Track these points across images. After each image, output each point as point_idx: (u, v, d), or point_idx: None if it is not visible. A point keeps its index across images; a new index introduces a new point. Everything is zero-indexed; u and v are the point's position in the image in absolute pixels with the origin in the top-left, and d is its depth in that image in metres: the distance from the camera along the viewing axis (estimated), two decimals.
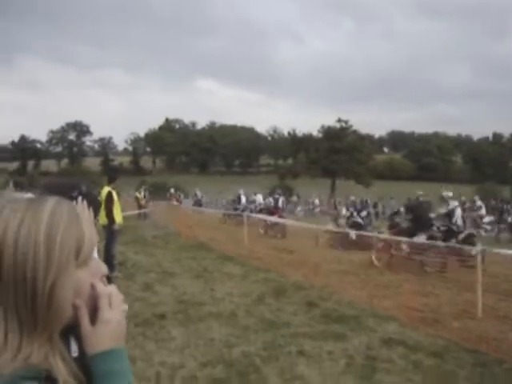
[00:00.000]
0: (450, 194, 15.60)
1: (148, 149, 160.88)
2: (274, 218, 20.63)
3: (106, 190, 12.35)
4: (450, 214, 14.73)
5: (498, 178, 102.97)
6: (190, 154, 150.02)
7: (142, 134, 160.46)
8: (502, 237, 24.53)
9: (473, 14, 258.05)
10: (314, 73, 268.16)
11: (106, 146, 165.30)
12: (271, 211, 23.33)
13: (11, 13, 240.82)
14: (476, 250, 8.86)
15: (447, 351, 6.70)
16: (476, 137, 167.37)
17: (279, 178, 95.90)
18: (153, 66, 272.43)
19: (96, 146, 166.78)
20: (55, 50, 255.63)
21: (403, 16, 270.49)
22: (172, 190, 41.74)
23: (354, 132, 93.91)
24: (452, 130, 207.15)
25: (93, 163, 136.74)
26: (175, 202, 34.50)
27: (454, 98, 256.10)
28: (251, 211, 24.23)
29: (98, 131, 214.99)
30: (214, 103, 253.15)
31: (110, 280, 1.43)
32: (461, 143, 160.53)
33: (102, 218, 12.16)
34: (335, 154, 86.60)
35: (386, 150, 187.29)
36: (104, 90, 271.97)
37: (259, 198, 29.32)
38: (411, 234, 13.63)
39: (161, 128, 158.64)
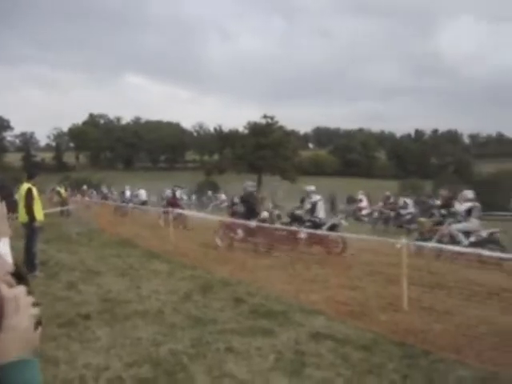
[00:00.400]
0: (313, 187, 16.70)
1: (72, 144, 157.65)
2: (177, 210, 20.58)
3: (25, 186, 11.81)
4: (312, 208, 16.07)
5: (420, 174, 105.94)
6: (115, 149, 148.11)
7: (65, 129, 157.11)
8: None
9: (398, 13, 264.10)
10: (242, 70, 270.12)
11: (27, 141, 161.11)
12: (171, 203, 23.33)
13: None
14: (400, 243, 8.95)
15: (375, 344, 6.72)
16: (399, 134, 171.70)
17: (205, 174, 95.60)
18: (78, 61, 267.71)
19: (17, 141, 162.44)
20: None
21: (332, 14, 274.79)
22: (84, 187, 42.67)
23: (280, 128, 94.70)
24: (376, 127, 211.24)
25: (14, 159, 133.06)
26: (86, 199, 35.88)
27: (379, 95, 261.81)
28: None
29: (20, 126, 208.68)
30: (142, 99, 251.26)
31: (22, 278, 1.28)
32: (384, 140, 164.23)
33: (22, 216, 11.73)
34: (261, 150, 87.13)
35: (311, 146, 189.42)
36: (27, 85, 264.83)
37: (142, 192, 31.50)
38: (245, 219, 15.17)
39: (85, 123, 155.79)
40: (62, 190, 31.28)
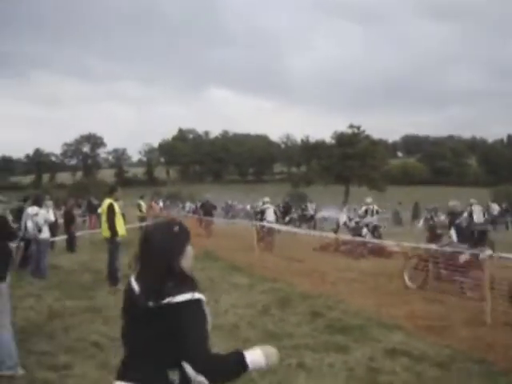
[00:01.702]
0: (267, 199, 21.76)
1: (162, 159, 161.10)
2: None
3: (107, 201, 12.18)
4: (262, 212, 20.83)
5: None
6: (204, 163, 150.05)
7: (155, 144, 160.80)
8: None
9: (480, 15, 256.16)
10: (327, 80, 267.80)
11: (120, 157, 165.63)
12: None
13: (26, 28, 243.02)
14: (484, 254, 8.65)
15: (453, 361, 6.48)
16: (491, 139, 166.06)
17: (292, 186, 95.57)
18: (166, 77, 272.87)
19: (110, 157, 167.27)
20: (70, 65, 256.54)
21: (412, 18, 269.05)
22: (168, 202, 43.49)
23: (367, 137, 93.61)
24: (467, 133, 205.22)
25: (107, 175, 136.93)
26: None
27: (467, 101, 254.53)
28: None
29: (112, 143, 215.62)
30: (227, 112, 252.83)
31: None
32: (475, 146, 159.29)
33: (105, 231, 12.03)
34: (348, 160, 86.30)
35: (400, 154, 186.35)
36: (118, 102, 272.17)
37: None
38: None
39: (174, 138, 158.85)
40: (143, 204, 30.17)
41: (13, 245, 12.45)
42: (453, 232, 11.89)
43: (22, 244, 13.72)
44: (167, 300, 2.41)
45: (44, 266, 13.15)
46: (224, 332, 7.85)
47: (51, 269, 13.95)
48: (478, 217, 18.39)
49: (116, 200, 12.31)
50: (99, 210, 15.64)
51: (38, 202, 13.63)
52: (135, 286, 2.62)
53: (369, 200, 20.93)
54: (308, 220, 36.38)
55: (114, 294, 10.70)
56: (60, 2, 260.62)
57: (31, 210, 13.36)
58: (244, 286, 11.89)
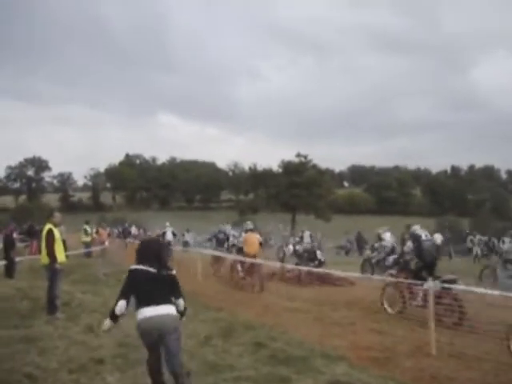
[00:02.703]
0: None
1: (108, 184, 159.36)
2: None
3: (47, 227, 11.72)
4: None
5: (457, 210, 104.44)
6: (151, 189, 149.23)
7: (102, 169, 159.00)
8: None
9: (429, 49, 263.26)
10: (273, 108, 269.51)
11: (65, 181, 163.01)
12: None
13: None
14: (428, 285, 8.62)
15: None
16: (435, 170, 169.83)
17: (239, 214, 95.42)
18: (113, 102, 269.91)
19: (55, 181, 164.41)
20: (15, 87, 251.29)
21: (361, 51, 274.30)
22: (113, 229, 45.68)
23: (314, 167, 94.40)
24: (412, 164, 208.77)
25: (52, 199, 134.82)
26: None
27: (413, 132, 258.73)
28: None
29: (58, 167, 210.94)
30: (175, 138, 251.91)
31: None
32: (420, 176, 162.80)
33: (44, 257, 11.61)
34: (295, 189, 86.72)
35: (346, 184, 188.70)
36: (64, 126, 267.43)
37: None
38: None
39: (121, 163, 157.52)
40: (88, 229, 29.93)
41: None
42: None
43: None
44: (170, 272, 6.12)
45: None
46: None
47: None
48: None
49: (55, 225, 11.88)
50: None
51: None
52: (148, 268, 5.96)
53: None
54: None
55: (51, 324, 10.35)
56: (6, 25, 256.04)
57: None
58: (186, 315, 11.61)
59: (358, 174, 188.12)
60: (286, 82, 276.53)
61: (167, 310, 5.85)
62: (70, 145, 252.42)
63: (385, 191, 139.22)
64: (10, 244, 19.49)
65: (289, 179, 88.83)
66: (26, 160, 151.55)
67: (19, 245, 25.97)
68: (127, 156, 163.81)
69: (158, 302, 5.77)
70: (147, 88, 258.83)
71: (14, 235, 22.93)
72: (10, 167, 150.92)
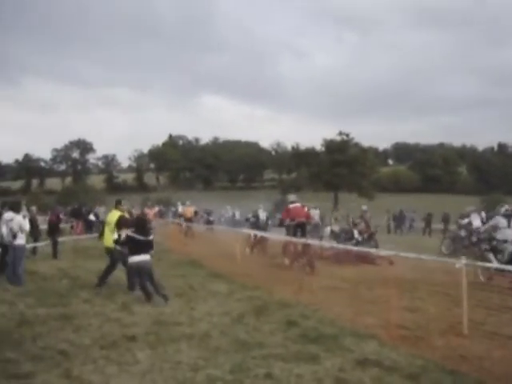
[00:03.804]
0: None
1: (152, 165, 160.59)
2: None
3: (116, 214, 12.66)
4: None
5: (504, 189, 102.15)
6: (194, 169, 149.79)
7: (145, 150, 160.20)
8: None
9: (473, 23, 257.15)
10: (317, 87, 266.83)
11: (109, 163, 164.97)
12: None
13: (17, 34, 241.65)
14: (460, 263, 8.51)
15: (425, 372, 6.32)
16: (481, 147, 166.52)
17: (281, 193, 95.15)
18: (157, 83, 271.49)
19: (100, 163, 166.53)
20: (61, 71, 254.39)
21: (404, 28, 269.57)
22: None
23: (356, 145, 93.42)
24: (457, 141, 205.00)
25: (97, 181, 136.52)
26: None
27: (458, 109, 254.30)
28: None
29: (102, 149, 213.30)
30: (218, 119, 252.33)
31: None
32: (466, 154, 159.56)
33: (108, 241, 12.51)
34: (337, 167, 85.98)
35: (390, 162, 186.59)
36: (108, 108, 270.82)
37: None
38: None
39: (164, 144, 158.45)
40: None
41: None
42: None
43: None
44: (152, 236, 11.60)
45: (20, 273, 12.92)
46: (195, 341, 7.72)
47: (29, 275, 13.79)
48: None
49: (123, 212, 12.85)
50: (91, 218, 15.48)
51: (15, 208, 13.44)
52: (138, 236, 11.13)
53: (364, 207, 21.73)
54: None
55: (88, 302, 10.61)
56: (56, 10, 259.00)
57: (7, 215, 13.21)
58: (222, 293, 11.73)
59: (403, 152, 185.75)
60: (330, 60, 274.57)
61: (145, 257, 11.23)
62: (114, 127, 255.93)
63: (430, 169, 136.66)
64: (55, 228, 20.11)
65: (331, 158, 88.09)
66: (71, 142, 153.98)
67: (64, 225, 26.48)
68: (170, 137, 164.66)
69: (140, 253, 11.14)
70: (191, 68, 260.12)
71: (60, 216, 23.53)
72: (55, 150, 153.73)
